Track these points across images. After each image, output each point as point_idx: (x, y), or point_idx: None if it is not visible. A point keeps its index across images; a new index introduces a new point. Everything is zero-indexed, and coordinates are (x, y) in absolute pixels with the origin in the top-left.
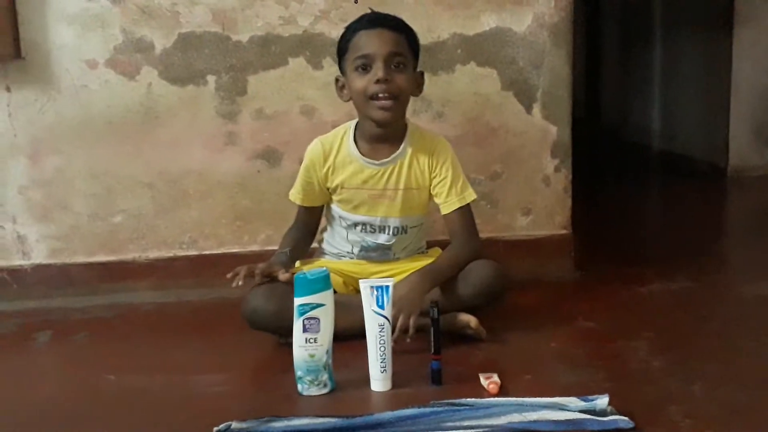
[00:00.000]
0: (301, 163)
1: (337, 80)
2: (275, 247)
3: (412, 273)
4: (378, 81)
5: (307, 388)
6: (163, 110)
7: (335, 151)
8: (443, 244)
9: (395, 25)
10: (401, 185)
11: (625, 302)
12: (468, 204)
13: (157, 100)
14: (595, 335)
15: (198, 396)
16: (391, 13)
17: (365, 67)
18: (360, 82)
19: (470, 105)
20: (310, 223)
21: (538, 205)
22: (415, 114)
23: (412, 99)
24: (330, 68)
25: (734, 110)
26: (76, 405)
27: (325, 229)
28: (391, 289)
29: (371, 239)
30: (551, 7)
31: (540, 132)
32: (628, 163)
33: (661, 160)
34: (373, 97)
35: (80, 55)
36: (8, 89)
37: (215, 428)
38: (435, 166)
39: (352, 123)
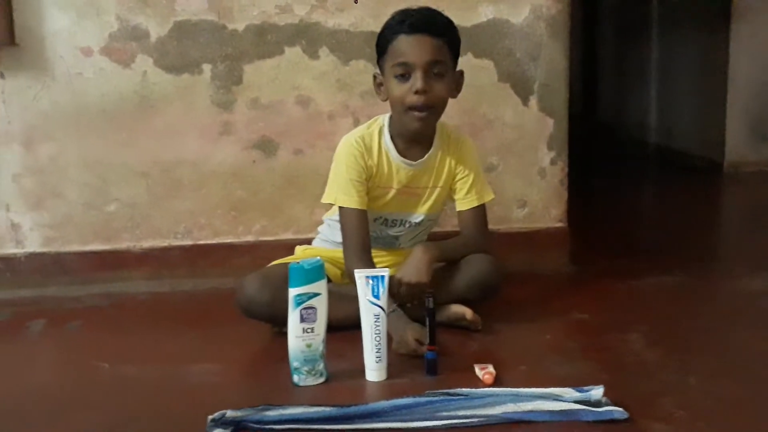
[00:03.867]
0: (296, 153)
1: (375, 77)
2: (270, 238)
3: (417, 246)
4: (417, 92)
5: (303, 379)
6: (158, 99)
7: (375, 150)
8: (444, 237)
9: (437, 30)
10: (430, 184)
11: (620, 295)
12: (484, 204)
13: (152, 89)
14: (589, 328)
15: (193, 385)
16: (390, 4)
17: (404, 75)
18: (398, 89)
19: (467, 96)
20: (367, 236)
21: (534, 197)
22: None
23: None
24: (326, 58)
25: (731, 105)
26: (70, 393)
27: (319, 221)
28: (386, 279)
29: (385, 231)
30: None
31: (536, 124)
32: (625, 158)
33: (657, 155)
34: (411, 107)
35: (75, 43)
36: (2, 76)
37: (210, 417)
38: (460, 166)
39: (384, 120)
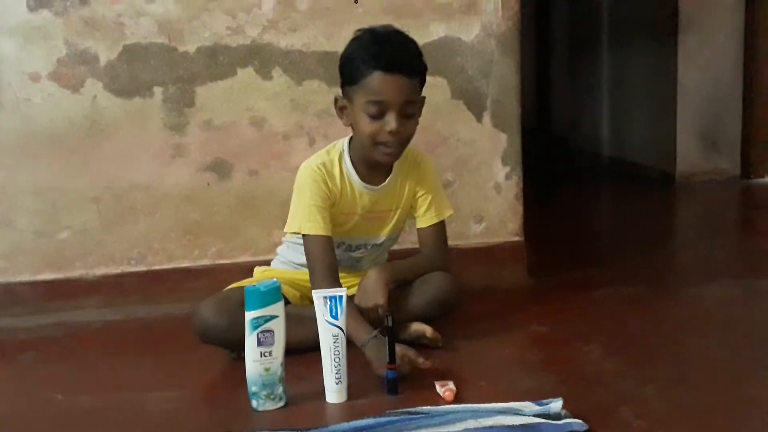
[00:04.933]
0: (251, 174)
1: (336, 100)
2: (227, 261)
3: (372, 268)
4: (390, 132)
5: (262, 404)
6: (108, 123)
7: (337, 176)
8: (404, 255)
9: (413, 70)
10: (393, 206)
11: (578, 307)
12: (443, 221)
13: (102, 113)
14: (548, 340)
15: (150, 414)
16: (341, 23)
17: (377, 114)
18: (370, 127)
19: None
20: (334, 261)
21: (490, 212)
22: None
23: None
24: (279, 78)
25: (681, 116)
26: (23, 425)
27: (276, 243)
28: (344, 299)
29: (347, 255)
30: (498, 16)
31: (490, 140)
32: (580, 171)
33: (611, 167)
34: (381, 143)
35: (22, 68)
36: None
37: None
38: (420, 183)
39: (344, 145)
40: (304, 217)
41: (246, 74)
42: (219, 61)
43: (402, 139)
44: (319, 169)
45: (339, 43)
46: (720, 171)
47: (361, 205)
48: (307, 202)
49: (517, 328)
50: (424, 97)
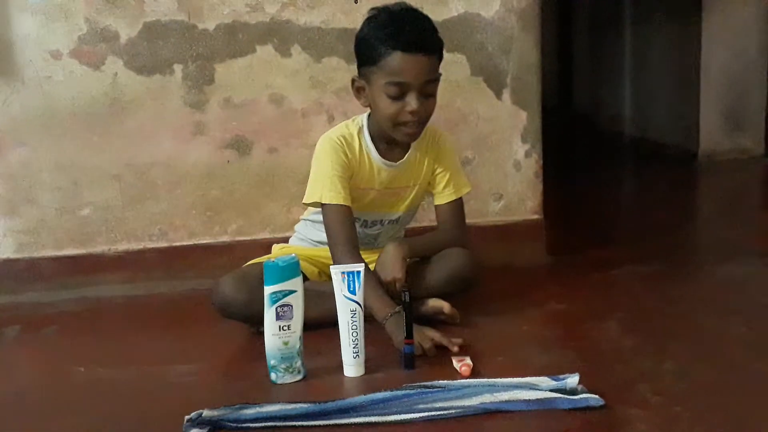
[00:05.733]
0: (271, 152)
1: (353, 81)
2: (246, 238)
3: (389, 242)
4: (412, 112)
5: (281, 377)
6: (129, 100)
7: (356, 149)
8: (421, 232)
9: (432, 48)
10: (411, 182)
11: (596, 285)
12: (461, 198)
13: (123, 91)
14: (566, 317)
15: (169, 386)
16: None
17: (398, 94)
18: (390, 107)
19: (440, 91)
20: (355, 233)
21: (509, 190)
22: None
23: None
24: (298, 56)
25: (704, 95)
26: (46, 397)
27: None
28: (362, 275)
29: (364, 232)
30: None
31: (510, 117)
32: (601, 150)
33: (633, 146)
34: (403, 123)
35: (44, 46)
36: None
37: (186, 417)
38: (439, 160)
39: (363, 120)
40: (325, 186)
41: (265, 51)
42: (238, 39)
43: (422, 119)
44: (339, 141)
45: (358, 20)
46: (743, 150)
47: (379, 180)
48: (328, 172)
49: (535, 306)
50: (440, 74)
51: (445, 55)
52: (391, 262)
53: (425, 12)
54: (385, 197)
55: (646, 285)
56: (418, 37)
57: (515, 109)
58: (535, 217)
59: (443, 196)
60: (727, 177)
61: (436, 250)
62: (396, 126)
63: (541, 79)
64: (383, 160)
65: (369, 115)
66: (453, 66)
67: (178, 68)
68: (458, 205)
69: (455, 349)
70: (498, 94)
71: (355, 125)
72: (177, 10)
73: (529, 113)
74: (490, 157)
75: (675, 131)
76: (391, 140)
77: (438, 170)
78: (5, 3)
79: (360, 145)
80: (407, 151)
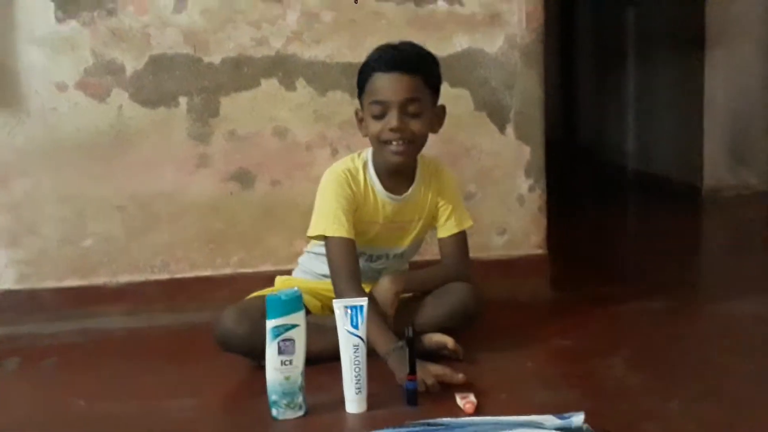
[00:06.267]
0: (274, 185)
1: (356, 113)
2: (248, 270)
3: (384, 276)
4: (392, 129)
5: (282, 412)
6: (134, 133)
7: (361, 182)
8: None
9: (413, 67)
10: (415, 216)
11: (601, 321)
12: (464, 231)
13: (128, 123)
14: (571, 354)
15: (170, 420)
16: (366, 34)
17: (380, 113)
18: (375, 126)
19: (444, 125)
20: (357, 267)
21: (513, 225)
22: None
23: None
24: (303, 89)
25: (708, 130)
26: (45, 430)
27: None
28: (365, 309)
29: (368, 266)
30: (522, 28)
31: (513, 152)
32: (604, 184)
33: (636, 180)
34: (387, 142)
35: (50, 78)
36: None
37: None
38: (442, 194)
39: (368, 155)
40: (329, 219)
41: (270, 85)
42: (243, 72)
43: (407, 138)
44: (344, 174)
45: (362, 55)
46: (747, 185)
47: (384, 214)
48: (332, 205)
49: (540, 342)
50: (442, 106)
51: (449, 89)
52: (382, 297)
53: (429, 47)
54: (390, 231)
55: (652, 321)
56: (398, 56)
57: (518, 143)
58: (539, 251)
59: (446, 229)
60: (732, 212)
61: (438, 284)
62: (383, 145)
63: (544, 113)
64: (388, 194)
65: (372, 152)
66: (457, 100)
67: (183, 101)
68: (461, 238)
69: (460, 377)
70: (501, 129)
71: (361, 159)
72: (183, 43)
73: (532, 148)
74: (494, 192)
75: (679, 166)
76: (394, 172)
77: (441, 203)
78: (12, 35)
79: (365, 178)
80: (411, 185)
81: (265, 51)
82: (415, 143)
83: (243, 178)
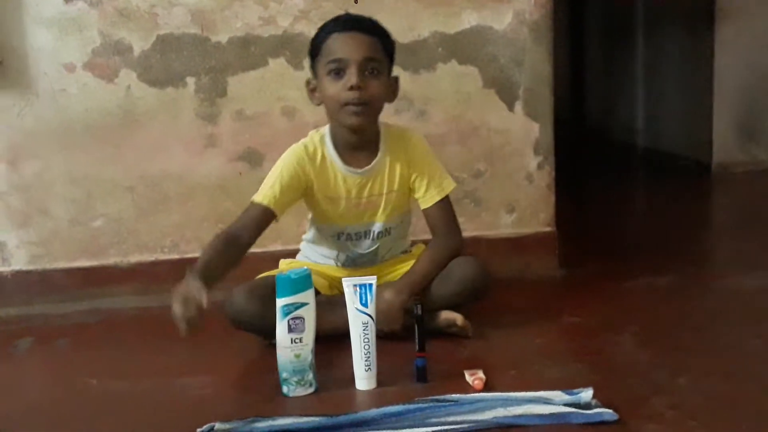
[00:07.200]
0: None
1: (308, 82)
2: (257, 250)
3: (387, 289)
4: (351, 88)
5: (293, 390)
6: (142, 113)
7: (318, 159)
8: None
9: (370, 29)
10: (384, 189)
11: (610, 298)
12: (447, 196)
13: (136, 103)
14: (580, 330)
15: (181, 399)
16: (372, 12)
17: (338, 72)
18: (333, 87)
19: (452, 103)
20: (253, 231)
21: (521, 202)
22: (397, 113)
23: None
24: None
25: (717, 106)
26: (58, 410)
27: (304, 232)
28: (374, 287)
29: (356, 248)
30: (531, 4)
31: (522, 129)
32: (613, 162)
33: (645, 157)
34: (346, 103)
35: (58, 59)
36: None
37: (198, 430)
38: (413, 163)
39: (325, 130)
40: (268, 188)
41: (277, 64)
42: (251, 52)
43: (367, 99)
44: (300, 150)
45: None
46: (757, 161)
47: (346, 189)
48: (277, 176)
49: (549, 319)
50: (396, 77)
51: (457, 67)
52: (386, 312)
53: (438, 24)
54: (359, 207)
55: (661, 298)
56: (356, 19)
57: (527, 120)
58: (548, 229)
59: (428, 200)
60: (741, 189)
61: (442, 266)
62: (341, 107)
63: (553, 90)
64: (347, 167)
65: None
66: (465, 78)
67: (190, 81)
68: (445, 204)
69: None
70: (510, 106)
71: (318, 134)
72: (190, 23)
73: (541, 125)
74: (503, 169)
75: (688, 143)
76: (354, 144)
77: (414, 175)
78: (20, 16)
79: (322, 153)
80: (374, 158)
81: (272, 30)
82: (372, 105)
83: (251, 158)
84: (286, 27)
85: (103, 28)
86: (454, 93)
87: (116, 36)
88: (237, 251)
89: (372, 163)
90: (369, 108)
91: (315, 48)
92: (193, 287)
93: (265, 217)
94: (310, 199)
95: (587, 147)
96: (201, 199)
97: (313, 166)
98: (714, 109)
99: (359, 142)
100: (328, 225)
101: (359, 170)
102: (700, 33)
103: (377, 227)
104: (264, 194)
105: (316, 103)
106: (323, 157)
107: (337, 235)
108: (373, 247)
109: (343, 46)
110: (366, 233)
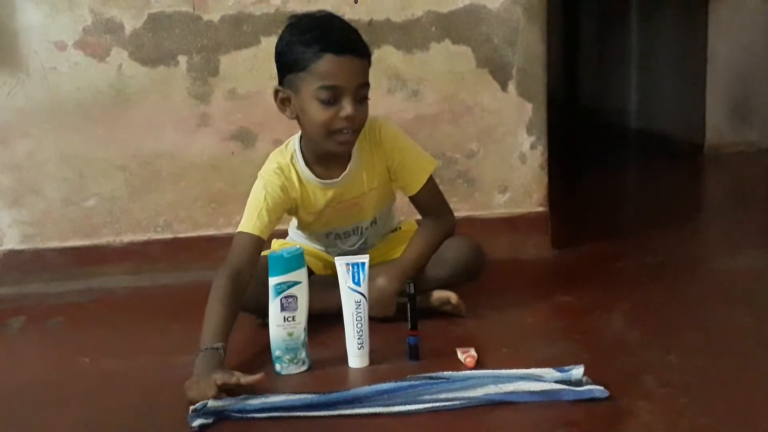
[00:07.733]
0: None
1: (277, 92)
2: None
3: (380, 276)
4: (347, 118)
5: (286, 367)
6: (134, 92)
7: (294, 178)
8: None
9: (362, 50)
10: (365, 188)
11: (602, 277)
12: (431, 177)
13: (128, 82)
14: (571, 309)
15: (175, 377)
16: None
17: (331, 99)
18: (322, 114)
19: (445, 83)
20: (252, 265)
21: (514, 182)
22: (390, 93)
23: (386, 77)
24: None
25: (711, 88)
26: (51, 389)
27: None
28: (366, 266)
29: (344, 245)
30: None
31: (515, 109)
32: (607, 143)
33: (639, 139)
34: (337, 131)
35: (48, 37)
36: None
37: (192, 407)
38: (387, 154)
39: (293, 147)
40: (253, 218)
41: (270, 43)
42: (243, 30)
43: (357, 126)
44: (275, 174)
45: (363, 12)
46: (750, 143)
47: (325, 200)
48: (259, 203)
49: (540, 298)
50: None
51: (451, 46)
52: (380, 300)
53: (431, 3)
54: (342, 211)
55: (652, 277)
56: (349, 39)
57: (521, 100)
58: (541, 209)
59: (411, 188)
60: (734, 170)
61: (435, 248)
62: (330, 135)
63: (546, 70)
64: (322, 181)
65: (300, 138)
66: (458, 58)
67: (182, 60)
68: (430, 186)
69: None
70: (503, 86)
71: (288, 152)
72: (182, 1)
73: (534, 105)
74: (495, 150)
75: (681, 124)
76: (327, 158)
77: (391, 162)
78: None
79: (296, 171)
80: (348, 162)
81: (264, 8)
82: (360, 130)
83: (244, 137)
84: (278, 5)
85: (93, 6)
86: (447, 73)
87: (107, 14)
88: (243, 293)
89: (347, 169)
90: (356, 135)
91: (298, 63)
92: (211, 383)
93: (258, 247)
94: (294, 214)
95: (580, 128)
96: (194, 179)
97: (293, 188)
98: (707, 90)
99: (332, 154)
100: (314, 229)
101: (336, 180)
102: (695, 14)
103: (365, 224)
104: (253, 225)
105: (289, 116)
106: (298, 176)
107: (326, 235)
108: (361, 240)
109: (339, 73)
110: (354, 230)
